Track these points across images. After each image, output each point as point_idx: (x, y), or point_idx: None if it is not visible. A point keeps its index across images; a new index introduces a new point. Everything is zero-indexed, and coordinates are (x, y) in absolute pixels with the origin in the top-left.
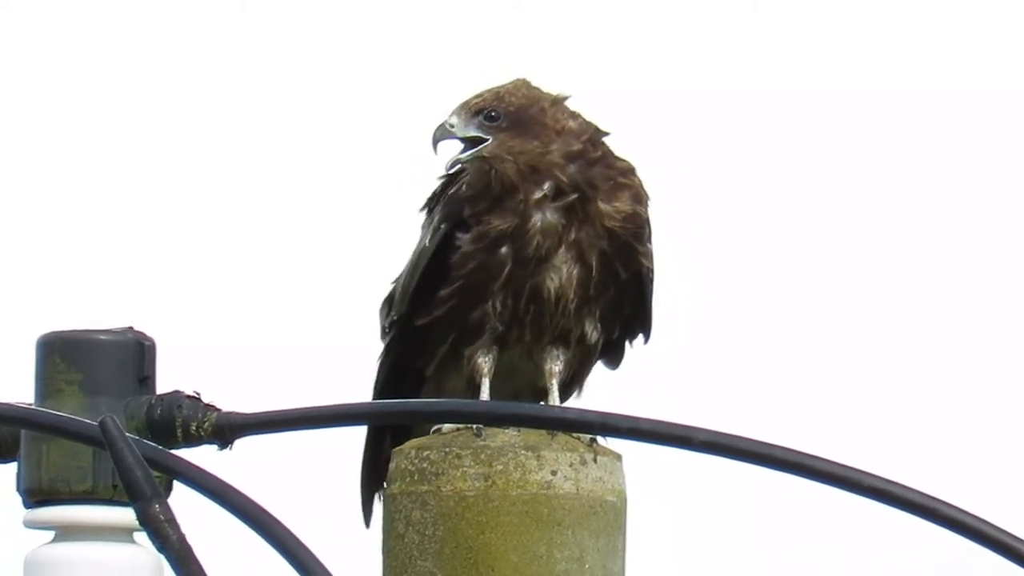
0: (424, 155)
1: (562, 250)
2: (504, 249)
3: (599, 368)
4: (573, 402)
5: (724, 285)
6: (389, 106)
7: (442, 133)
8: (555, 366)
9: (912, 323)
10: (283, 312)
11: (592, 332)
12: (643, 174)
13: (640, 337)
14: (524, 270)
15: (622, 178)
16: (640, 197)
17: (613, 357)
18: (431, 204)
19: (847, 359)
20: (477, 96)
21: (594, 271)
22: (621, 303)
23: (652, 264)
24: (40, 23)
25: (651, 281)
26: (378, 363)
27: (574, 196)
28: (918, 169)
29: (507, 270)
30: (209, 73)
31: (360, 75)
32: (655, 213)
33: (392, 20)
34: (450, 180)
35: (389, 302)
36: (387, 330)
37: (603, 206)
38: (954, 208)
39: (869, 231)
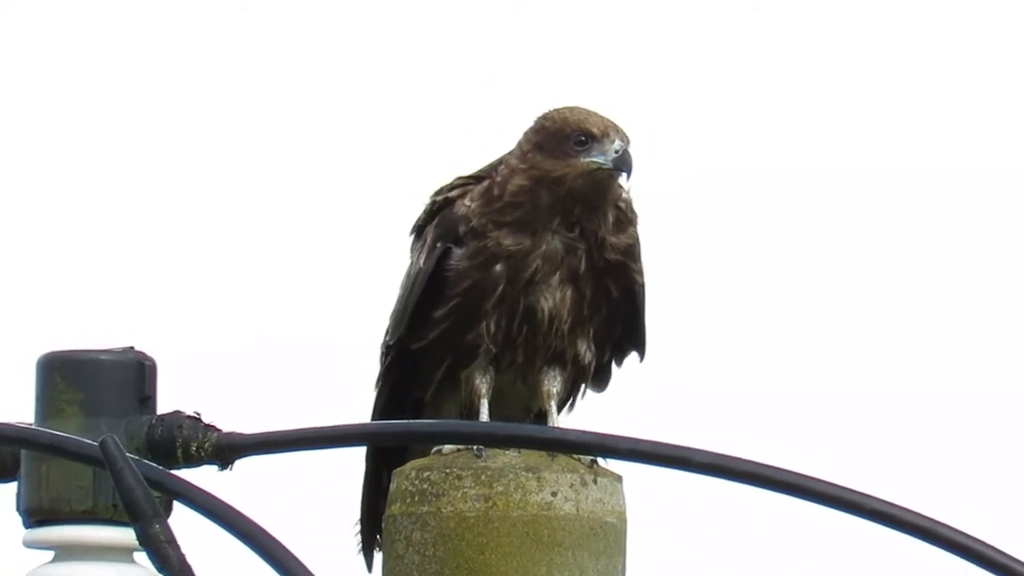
0: (426, 160)
1: (557, 273)
2: (499, 267)
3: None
4: (564, 421)
5: (718, 301)
6: (389, 107)
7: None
8: (553, 387)
9: (916, 340)
10: (285, 334)
11: (586, 353)
12: (637, 182)
13: (634, 355)
14: (516, 289)
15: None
16: (633, 219)
17: (600, 380)
18: (420, 229)
19: (848, 378)
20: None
21: (587, 291)
22: (613, 323)
23: (643, 279)
24: (36, 29)
25: (643, 296)
26: (375, 391)
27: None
28: (916, 175)
29: (500, 289)
30: (206, 81)
31: (359, 76)
32: (646, 226)
33: (392, 20)
34: (436, 207)
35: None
36: (384, 356)
37: (611, 239)
38: (953, 216)
39: (868, 243)
